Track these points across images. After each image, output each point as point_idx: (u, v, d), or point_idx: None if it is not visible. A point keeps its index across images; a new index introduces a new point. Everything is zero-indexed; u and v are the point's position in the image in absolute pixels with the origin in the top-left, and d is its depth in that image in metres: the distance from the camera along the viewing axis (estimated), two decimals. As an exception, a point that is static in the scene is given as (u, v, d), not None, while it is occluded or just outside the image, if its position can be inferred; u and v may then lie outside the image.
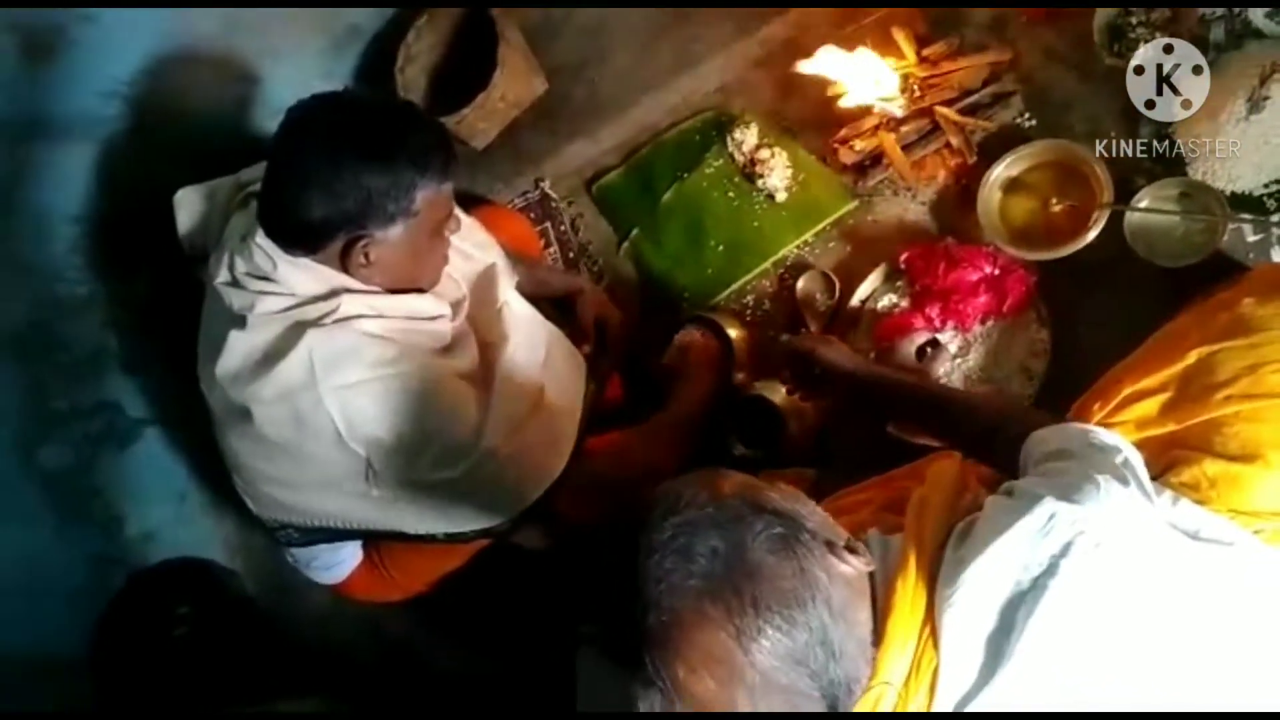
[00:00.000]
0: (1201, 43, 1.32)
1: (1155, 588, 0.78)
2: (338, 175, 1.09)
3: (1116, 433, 0.93)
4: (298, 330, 1.13)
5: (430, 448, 1.17)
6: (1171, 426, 1.01)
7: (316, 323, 1.14)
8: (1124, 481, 0.82)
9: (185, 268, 1.33)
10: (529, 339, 1.31)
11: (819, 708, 0.72)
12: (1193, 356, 1.03)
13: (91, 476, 1.42)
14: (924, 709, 0.75)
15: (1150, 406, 1.04)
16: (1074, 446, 0.89)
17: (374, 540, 1.42)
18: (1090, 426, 0.94)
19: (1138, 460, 0.88)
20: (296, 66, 1.56)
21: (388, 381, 1.15)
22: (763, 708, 0.70)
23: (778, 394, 1.47)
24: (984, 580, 0.76)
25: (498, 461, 1.19)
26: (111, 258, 1.42)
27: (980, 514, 0.82)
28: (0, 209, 1.29)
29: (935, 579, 0.78)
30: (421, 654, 1.68)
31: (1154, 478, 0.99)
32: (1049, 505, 0.77)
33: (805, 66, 1.44)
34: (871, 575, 0.79)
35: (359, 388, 1.14)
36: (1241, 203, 1.29)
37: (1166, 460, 1.00)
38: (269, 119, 1.17)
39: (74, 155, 1.36)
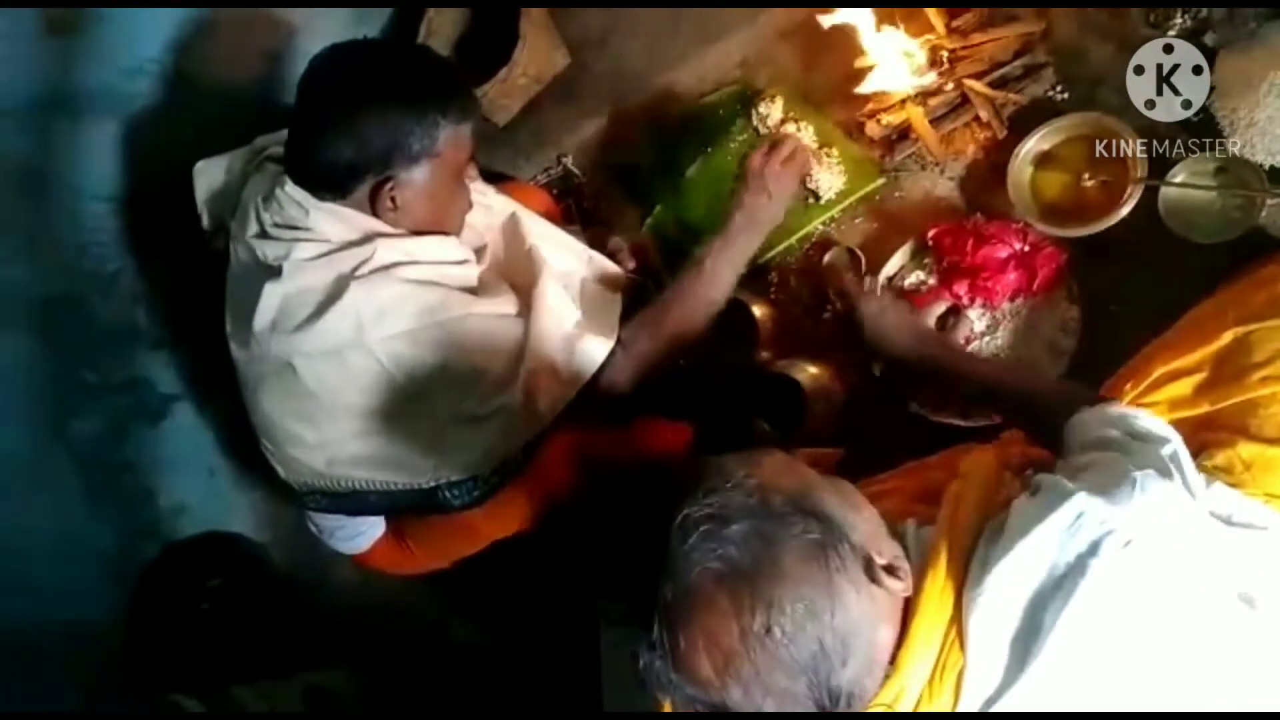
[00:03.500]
0: (1243, 10, 1.28)
1: (1187, 587, 0.75)
2: (363, 117, 1.11)
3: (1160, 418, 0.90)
4: (340, 284, 1.15)
5: (480, 384, 1.19)
6: (1205, 408, 1.00)
7: (355, 273, 1.15)
8: (1166, 474, 0.79)
9: (208, 242, 1.34)
10: (562, 277, 1.31)
11: (809, 710, 0.72)
12: (1229, 336, 1.01)
13: (123, 450, 1.44)
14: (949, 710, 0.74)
15: (1184, 387, 1.02)
16: (1116, 434, 0.86)
17: (397, 514, 1.43)
18: (1135, 411, 0.91)
19: (1184, 451, 0.85)
20: (319, 42, 1.56)
21: (434, 329, 1.16)
22: (753, 703, 0.71)
23: (802, 372, 1.46)
24: (1011, 580, 0.74)
25: (536, 388, 1.21)
26: (139, 233, 1.43)
27: (1009, 512, 0.80)
28: (29, 186, 1.30)
29: (965, 578, 0.76)
30: (445, 627, 1.70)
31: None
32: (1077, 503, 0.75)
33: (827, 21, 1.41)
34: (907, 600, 0.77)
35: (406, 337, 1.16)
36: (1281, 177, 1.26)
37: (1199, 442, 0.98)
38: (292, 94, 1.18)
39: (101, 132, 1.37)
